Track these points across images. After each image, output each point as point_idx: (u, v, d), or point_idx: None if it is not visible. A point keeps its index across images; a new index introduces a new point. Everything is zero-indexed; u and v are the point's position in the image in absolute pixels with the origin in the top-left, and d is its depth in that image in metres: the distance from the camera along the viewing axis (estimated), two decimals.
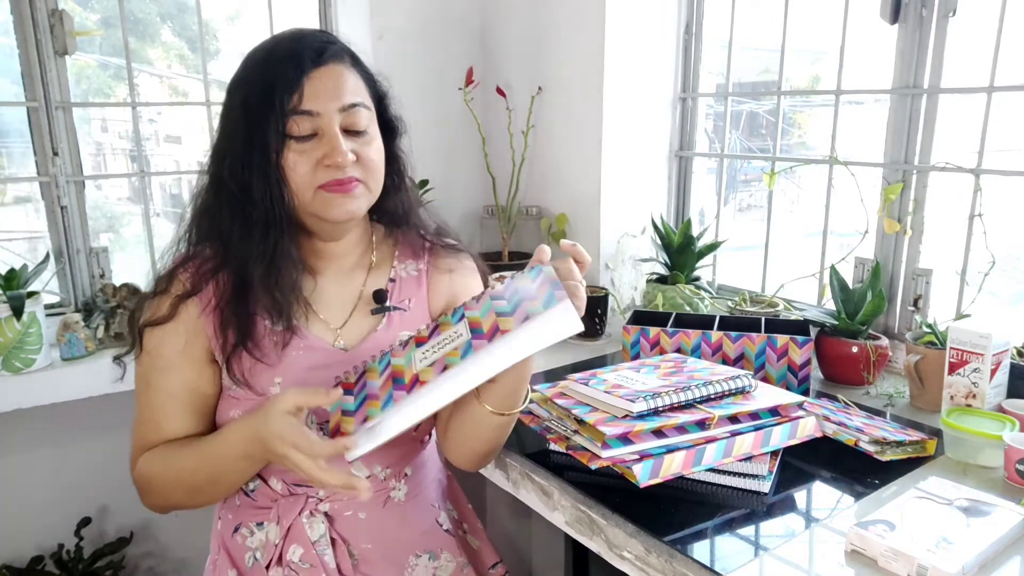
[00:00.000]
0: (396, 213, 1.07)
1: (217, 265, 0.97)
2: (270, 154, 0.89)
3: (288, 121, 0.89)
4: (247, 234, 0.92)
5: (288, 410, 0.83)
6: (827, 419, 1.20)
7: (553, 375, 1.54)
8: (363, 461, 1.01)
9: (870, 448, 1.12)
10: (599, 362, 1.62)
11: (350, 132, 0.93)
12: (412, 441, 1.07)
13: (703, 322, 1.49)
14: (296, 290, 0.96)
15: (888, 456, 1.11)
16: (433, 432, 1.13)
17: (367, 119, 0.94)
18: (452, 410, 1.00)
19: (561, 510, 1.08)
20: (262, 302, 0.94)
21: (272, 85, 0.88)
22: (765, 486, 1.05)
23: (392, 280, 1.06)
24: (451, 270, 1.09)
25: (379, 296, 1.03)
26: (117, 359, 1.01)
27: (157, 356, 0.96)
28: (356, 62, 0.97)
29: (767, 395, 1.13)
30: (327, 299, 1.02)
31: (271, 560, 0.99)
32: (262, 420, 0.85)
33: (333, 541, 1.00)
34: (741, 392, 1.12)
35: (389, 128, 1.01)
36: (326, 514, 1.00)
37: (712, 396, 1.10)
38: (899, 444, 1.12)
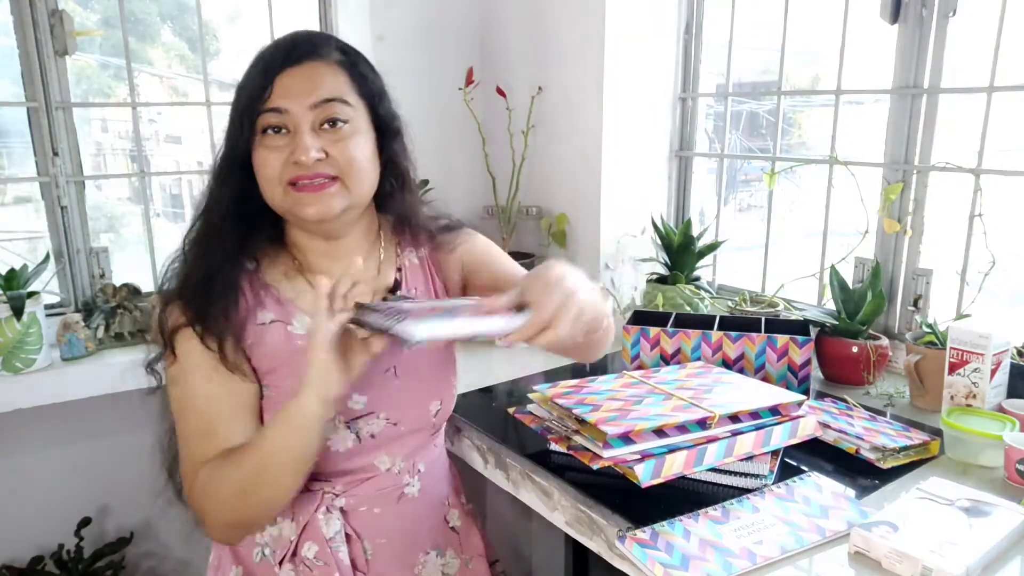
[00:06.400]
0: (399, 215, 1.06)
1: None
2: (245, 150, 0.92)
3: (259, 118, 0.91)
4: (217, 230, 0.95)
5: (327, 350, 0.83)
6: (827, 427, 1.18)
7: (553, 375, 1.54)
8: (382, 452, 1.02)
9: (871, 456, 1.11)
10: (599, 362, 1.62)
11: (326, 129, 0.92)
12: (424, 433, 1.07)
13: (703, 322, 1.49)
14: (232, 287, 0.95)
15: (889, 463, 1.10)
16: (443, 430, 1.14)
17: (347, 115, 0.93)
18: None
19: (561, 510, 1.08)
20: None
21: (249, 85, 0.93)
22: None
23: (399, 269, 1.07)
24: (454, 248, 1.11)
25: (395, 289, 1.03)
26: (150, 367, 0.98)
27: (192, 358, 0.92)
28: (347, 61, 0.96)
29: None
30: None
31: (284, 556, 0.99)
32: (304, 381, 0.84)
33: (348, 537, 1.00)
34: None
35: (383, 128, 0.99)
36: (341, 509, 1.00)
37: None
38: (901, 450, 1.12)
